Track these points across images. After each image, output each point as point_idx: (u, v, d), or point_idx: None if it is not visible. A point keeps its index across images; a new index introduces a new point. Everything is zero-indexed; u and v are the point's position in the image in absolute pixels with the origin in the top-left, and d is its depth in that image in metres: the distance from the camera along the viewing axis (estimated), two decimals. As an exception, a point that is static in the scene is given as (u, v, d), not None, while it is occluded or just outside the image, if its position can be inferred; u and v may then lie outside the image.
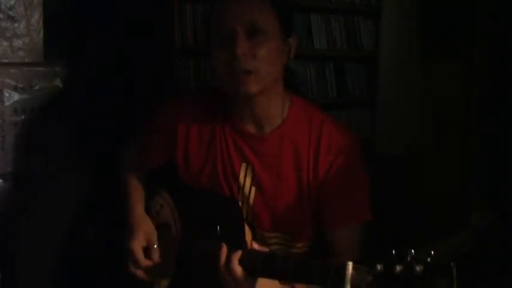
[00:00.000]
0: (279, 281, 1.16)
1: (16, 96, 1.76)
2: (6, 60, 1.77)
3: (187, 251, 1.31)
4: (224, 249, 1.15)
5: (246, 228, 1.30)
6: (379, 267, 0.95)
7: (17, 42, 1.79)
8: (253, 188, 1.33)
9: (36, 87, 1.80)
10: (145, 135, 1.49)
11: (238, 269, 1.12)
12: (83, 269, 1.73)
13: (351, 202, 1.32)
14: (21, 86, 1.77)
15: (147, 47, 2.22)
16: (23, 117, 1.77)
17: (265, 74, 1.25)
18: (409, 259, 0.93)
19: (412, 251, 0.94)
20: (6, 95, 1.74)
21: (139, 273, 1.34)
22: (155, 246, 1.34)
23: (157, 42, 2.23)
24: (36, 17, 1.82)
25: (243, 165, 1.34)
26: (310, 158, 1.32)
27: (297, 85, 1.44)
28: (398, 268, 0.93)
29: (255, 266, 1.12)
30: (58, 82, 1.84)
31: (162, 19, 2.22)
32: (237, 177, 1.34)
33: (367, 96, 2.90)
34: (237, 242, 1.20)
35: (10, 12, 1.77)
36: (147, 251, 1.34)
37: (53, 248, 1.74)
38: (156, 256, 1.33)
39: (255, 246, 1.18)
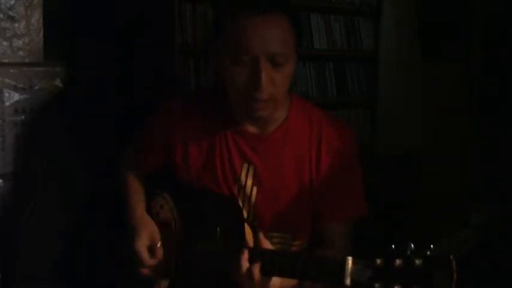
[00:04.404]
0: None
1: (16, 96, 1.76)
2: (6, 60, 1.77)
3: (188, 251, 1.31)
4: (245, 254, 1.13)
5: (247, 228, 1.30)
6: (378, 261, 0.95)
7: (17, 42, 1.79)
8: (255, 188, 1.33)
9: (36, 87, 1.79)
10: (143, 139, 1.49)
11: (256, 271, 1.11)
12: (83, 269, 1.73)
13: (350, 197, 1.33)
14: (21, 86, 1.76)
15: (147, 47, 2.22)
16: (23, 117, 1.77)
17: (281, 97, 1.26)
18: (408, 253, 0.94)
19: (412, 245, 0.94)
20: (6, 95, 1.74)
21: (145, 271, 1.33)
22: (158, 245, 1.34)
23: (157, 42, 2.23)
24: (36, 17, 1.82)
25: (245, 166, 1.33)
26: (312, 156, 1.33)
27: None
28: (398, 262, 0.93)
29: (273, 267, 1.11)
30: (58, 82, 1.84)
31: (162, 19, 2.22)
32: (238, 178, 1.33)
33: (367, 96, 2.90)
34: (237, 242, 1.20)
35: (10, 12, 1.77)
36: (151, 250, 1.34)
37: (53, 248, 1.74)
38: (160, 254, 1.33)
39: (267, 245, 1.17)
